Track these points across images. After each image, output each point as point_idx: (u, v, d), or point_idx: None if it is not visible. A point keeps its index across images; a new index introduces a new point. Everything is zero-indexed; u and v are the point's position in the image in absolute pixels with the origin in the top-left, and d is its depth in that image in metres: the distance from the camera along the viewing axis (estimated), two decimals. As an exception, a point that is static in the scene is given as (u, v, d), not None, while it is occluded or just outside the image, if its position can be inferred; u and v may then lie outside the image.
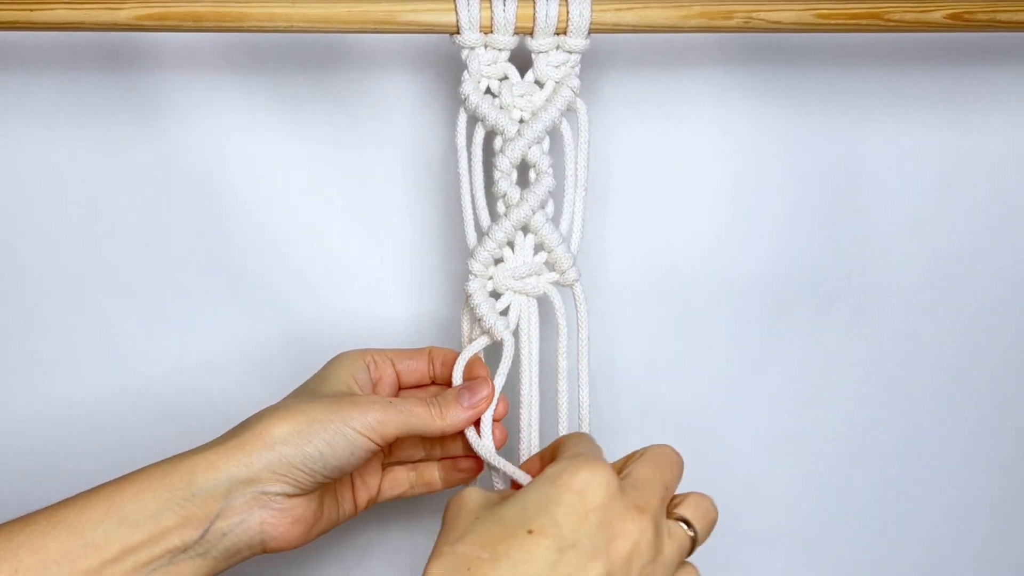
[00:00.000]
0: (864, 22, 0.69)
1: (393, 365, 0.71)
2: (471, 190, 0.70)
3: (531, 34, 0.68)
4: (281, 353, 0.81)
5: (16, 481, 0.81)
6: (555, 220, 0.70)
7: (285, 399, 0.66)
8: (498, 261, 0.70)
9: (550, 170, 0.69)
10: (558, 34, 0.68)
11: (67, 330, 0.80)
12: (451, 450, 0.73)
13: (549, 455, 0.65)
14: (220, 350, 0.81)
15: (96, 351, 0.80)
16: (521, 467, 0.68)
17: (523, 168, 0.70)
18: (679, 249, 0.82)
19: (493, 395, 0.68)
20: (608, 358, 0.83)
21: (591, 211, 0.76)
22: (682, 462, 0.64)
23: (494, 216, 0.70)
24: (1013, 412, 0.89)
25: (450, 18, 0.67)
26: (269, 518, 0.63)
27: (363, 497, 0.71)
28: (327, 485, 0.66)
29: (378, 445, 0.64)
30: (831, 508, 0.89)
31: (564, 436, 0.67)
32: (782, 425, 0.86)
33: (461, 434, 0.68)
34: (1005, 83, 0.81)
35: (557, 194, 0.70)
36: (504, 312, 0.70)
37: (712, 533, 0.87)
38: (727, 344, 0.84)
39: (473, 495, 0.60)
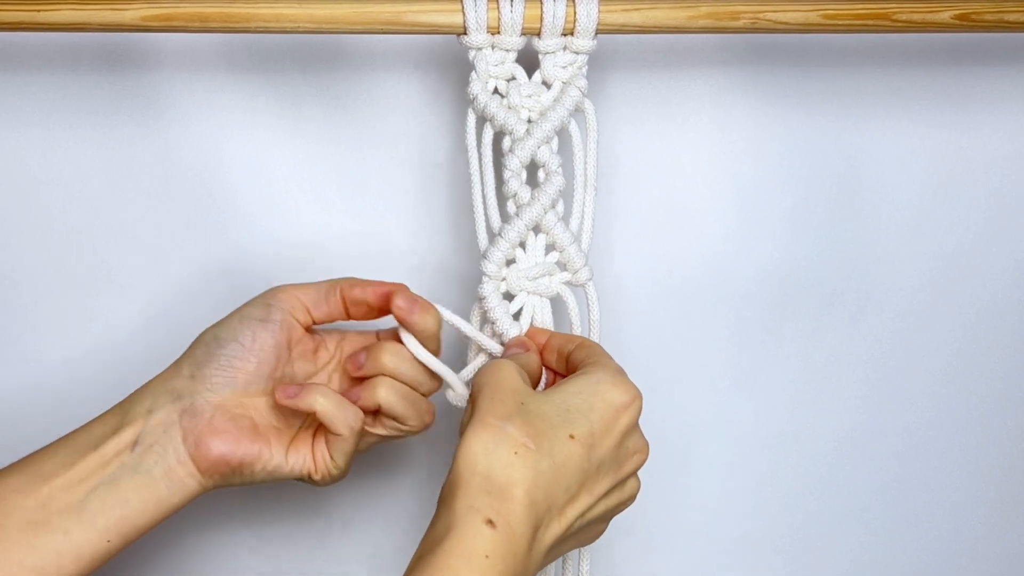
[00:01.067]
0: (871, 23, 0.69)
1: (341, 291, 0.69)
2: (482, 191, 0.70)
3: (538, 35, 0.68)
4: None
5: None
6: (565, 220, 0.70)
7: None
8: (510, 262, 0.70)
9: (560, 170, 0.69)
10: (565, 35, 0.68)
11: (67, 330, 0.79)
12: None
13: (562, 344, 0.68)
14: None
15: (96, 351, 0.80)
16: (528, 332, 0.70)
17: (531, 169, 0.70)
18: (681, 249, 0.82)
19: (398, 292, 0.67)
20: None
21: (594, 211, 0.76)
22: None
23: (504, 217, 0.70)
24: (1013, 412, 0.89)
25: (457, 19, 0.67)
26: (187, 421, 0.64)
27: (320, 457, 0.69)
28: (268, 417, 0.67)
29: (281, 312, 0.66)
30: (831, 508, 0.89)
31: (586, 340, 0.68)
32: (783, 425, 0.86)
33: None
34: (1007, 83, 0.82)
35: (566, 194, 0.70)
36: (517, 315, 0.70)
37: (712, 532, 0.88)
38: (728, 344, 0.85)
39: (510, 372, 0.62)
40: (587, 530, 0.63)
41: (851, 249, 0.84)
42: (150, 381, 0.66)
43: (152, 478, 0.64)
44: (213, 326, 0.67)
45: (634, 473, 0.64)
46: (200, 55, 0.76)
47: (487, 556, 0.54)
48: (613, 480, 0.62)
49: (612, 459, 0.61)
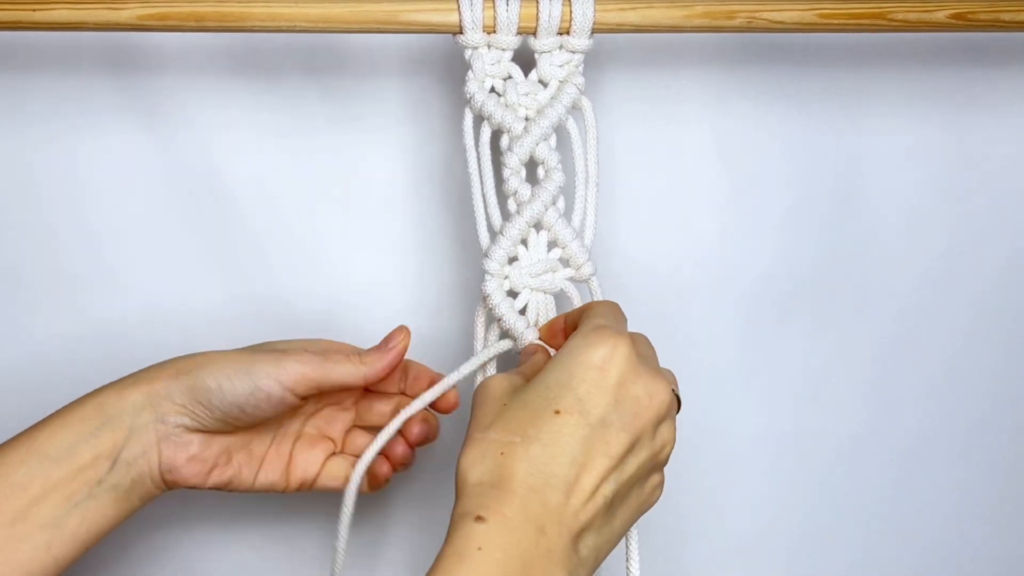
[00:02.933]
0: (867, 22, 0.69)
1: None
2: (482, 190, 0.70)
3: (534, 34, 0.68)
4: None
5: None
6: (567, 217, 0.70)
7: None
8: (512, 260, 0.70)
9: (559, 166, 0.69)
10: (561, 34, 0.68)
11: (67, 330, 0.79)
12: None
13: (574, 319, 0.67)
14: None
15: (96, 350, 0.80)
16: (546, 326, 0.69)
17: (530, 167, 0.70)
18: (679, 249, 0.82)
19: (408, 338, 0.69)
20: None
21: (593, 210, 0.76)
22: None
23: (505, 215, 0.70)
24: (1014, 412, 0.89)
25: (453, 18, 0.67)
26: (166, 449, 0.65)
27: (297, 475, 0.71)
28: (244, 440, 0.69)
29: (294, 393, 0.65)
30: (831, 508, 0.88)
31: (591, 303, 0.67)
32: (783, 424, 0.86)
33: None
34: (1006, 83, 0.82)
35: (568, 191, 0.70)
36: (521, 312, 0.70)
37: (712, 532, 0.88)
38: (728, 343, 0.84)
39: (496, 382, 0.62)
40: (634, 493, 0.61)
41: (850, 248, 0.83)
42: (130, 385, 0.65)
43: (128, 495, 0.65)
44: (220, 371, 0.65)
45: (659, 417, 0.60)
46: (200, 55, 0.76)
47: (480, 548, 0.54)
48: (630, 435, 0.58)
49: (616, 414, 0.58)
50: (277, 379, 0.65)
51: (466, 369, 0.69)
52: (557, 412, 0.58)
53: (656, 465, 0.62)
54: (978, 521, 0.90)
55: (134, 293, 0.79)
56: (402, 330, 0.70)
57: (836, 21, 0.69)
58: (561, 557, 0.55)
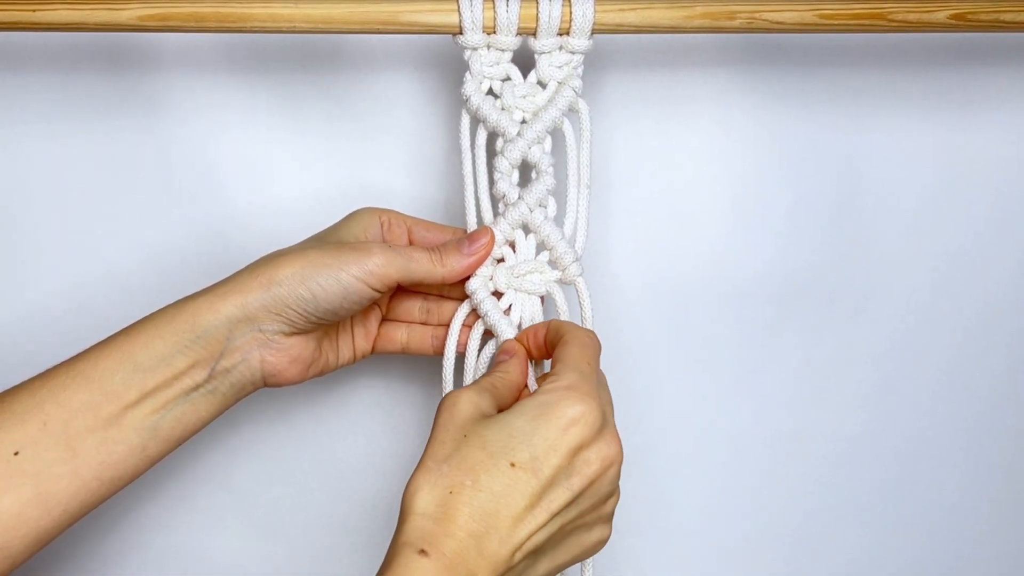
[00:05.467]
0: (867, 22, 0.69)
1: (409, 232, 0.73)
2: (475, 191, 0.70)
3: (534, 35, 0.68)
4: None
5: None
6: (559, 219, 0.70)
7: (295, 244, 0.69)
8: (500, 261, 0.71)
9: (551, 169, 0.69)
10: (561, 35, 0.68)
11: (67, 329, 0.79)
12: (447, 316, 0.74)
13: (554, 335, 0.67)
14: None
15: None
16: (528, 331, 0.70)
17: (527, 169, 0.70)
18: (680, 249, 0.82)
19: (493, 242, 0.70)
20: (608, 357, 0.83)
21: (592, 211, 0.76)
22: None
23: (496, 216, 0.70)
24: (1014, 412, 0.89)
25: (453, 19, 0.67)
26: (268, 355, 0.67)
27: (361, 346, 0.74)
28: (327, 329, 0.70)
29: (376, 291, 0.66)
30: (831, 508, 0.88)
31: (570, 331, 0.67)
32: (783, 425, 0.86)
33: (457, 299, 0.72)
34: (1007, 84, 0.81)
35: (561, 194, 0.70)
36: (506, 312, 0.70)
37: (712, 532, 0.88)
38: (728, 343, 0.84)
39: (464, 404, 0.62)
40: (569, 542, 0.63)
41: (851, 249, 0.83)
42: (222, 296, 0.65)
43: (224, 397, 0.67)
44: (311, 278, 0.65)
45: (606, 476, 0.62)
46: (200, 55, 0.76)
47: None
48: (574, 493, 0.60)
49: (565, 474, 0.60)
50: (365, 281, 0.66)
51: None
52: (512, 465, 0.59)
53: (601, 518, 0.64)
54: (977, 521, 0.90)
55: (132, 291, 0.79)
56: (486, 232, 0.70)
57: (836, 21, 0.68)
58: None
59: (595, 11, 0.67)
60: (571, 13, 0.67)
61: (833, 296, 0.84)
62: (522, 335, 0.70)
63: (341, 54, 0.77)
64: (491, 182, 0.70)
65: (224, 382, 0.66)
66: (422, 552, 0.56)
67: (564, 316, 0.71)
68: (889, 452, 0.88)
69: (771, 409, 0.86)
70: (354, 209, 0.73)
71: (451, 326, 0.72)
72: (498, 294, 0.71)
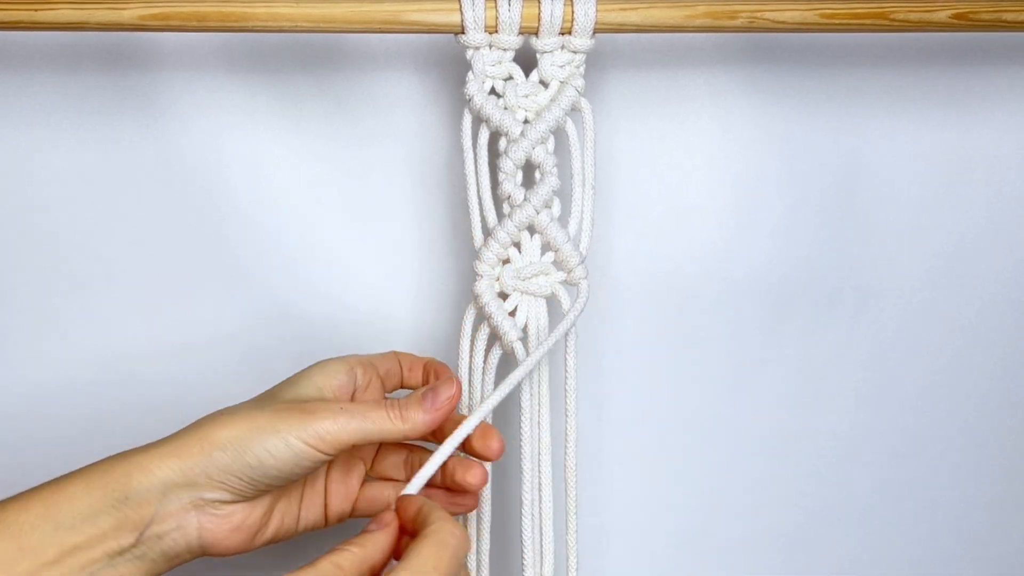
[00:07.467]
0: (868, 22, 0.69)
1: (376, 370, 0.68)
2: (478, 192, 0.70)
3: (536, 34, 0.68)
4: (281, 354, 0.81)
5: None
6: (564, 220, 0.70)
7: (241, 403, 0.64)
8: (506, 262, 0.70)
9: (555, 170, 0.69)
10: (563, 34, 0.68)
11: (68, 329, 0.79)
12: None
13: (424, 520, 0.60)
14: (220, 350, 0.81)
15: (97, 350, 0.80)
16: (398, 500, 0.62)
17: (530, 169, 0.70)
18: (680, 248, 0.82)
19: (459, 395, 0.65)
20: (609, 356, 0.83)
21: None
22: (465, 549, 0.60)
23: (501, 217, 0.70)
24: (1013, 412, 0.89)
25: (455, 18, 0.67)
26: (207, 523, 0.61)
27: (336, 509, 0.69)
28: (282, 491, 0.65)
29: (327, 455, 0.61)
30: (830, 508, 0.89)
31: (436, 523, 0.58)
32: (782, 424, 0.86)
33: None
34: (1007, 83, 0.82)
35: (565, 194, 0.70)
36: (512, 314, 0.70)
37: (712, 532, 0.88)
38: (727, 343, 0.85)
39: None
40: None
41: (850, 248, 0.84)
42: (157, 458, 0.60)
43: (155, 564, 0.61)
44: (257, 443, 0.60)
45: None
46: (200, 55, 0.76)
47: None
48: None
49: None
50: (315, 447, 0.60)
51: (499, 395, 0.66)
52: None
53: None
54: (976, 521, 0.91)
55: (132, 292, 0.79)
56: (452, 384, 0.65)
57: (837, 21, 0.68)
58: None
59: (597, 10, 0.67)
60: (573, 12, 0.67)
61: (833, 296, 0.84)
62: (400, 503, 0.63)
63: (341, 54, 0.77)
64: (493, 183, 0.70)
65: (154, 548, 0.60)
66: None
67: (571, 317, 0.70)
68: (888, 451, 0.88)
69: (770, 408, 0.86)
70: (318, 361, 0.67)
71: (462, 330, 0.70)
72: (503, 295, 0.70)
